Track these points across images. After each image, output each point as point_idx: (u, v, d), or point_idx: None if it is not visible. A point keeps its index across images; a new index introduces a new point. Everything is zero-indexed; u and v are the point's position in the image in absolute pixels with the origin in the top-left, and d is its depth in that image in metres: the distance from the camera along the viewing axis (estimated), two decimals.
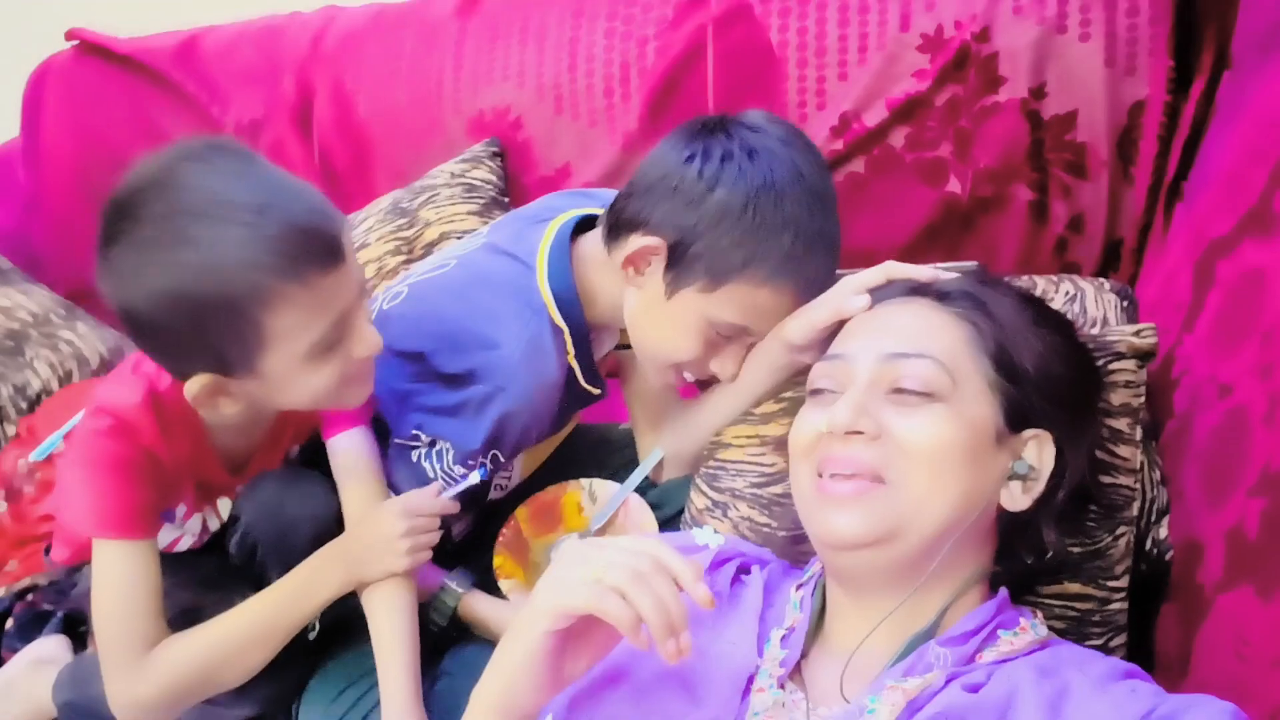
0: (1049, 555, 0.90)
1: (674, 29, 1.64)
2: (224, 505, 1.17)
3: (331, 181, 1.85)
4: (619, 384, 1.37)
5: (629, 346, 1.21)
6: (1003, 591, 0.85)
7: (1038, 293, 1.31)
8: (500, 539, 1.23)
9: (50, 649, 1.30)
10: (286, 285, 0.89)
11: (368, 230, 1.65)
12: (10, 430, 1.64)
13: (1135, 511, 1.00)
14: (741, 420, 1.16)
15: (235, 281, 0.88)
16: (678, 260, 1.06)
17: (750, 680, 0.82)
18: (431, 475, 1.13)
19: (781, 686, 0.81)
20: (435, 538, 1.09)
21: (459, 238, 1.59)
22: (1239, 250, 1.05)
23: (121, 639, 1.00)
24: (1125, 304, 1.30)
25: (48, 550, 1.25)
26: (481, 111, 1.75)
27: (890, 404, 0.82)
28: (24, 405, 1.67)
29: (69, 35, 2.01)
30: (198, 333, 0.91)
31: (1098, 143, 1.45)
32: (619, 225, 1.11)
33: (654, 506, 1.22)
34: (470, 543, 1.27)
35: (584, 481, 1.29)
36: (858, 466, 0.81)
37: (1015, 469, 0.84)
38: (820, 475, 0.84)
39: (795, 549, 1.05)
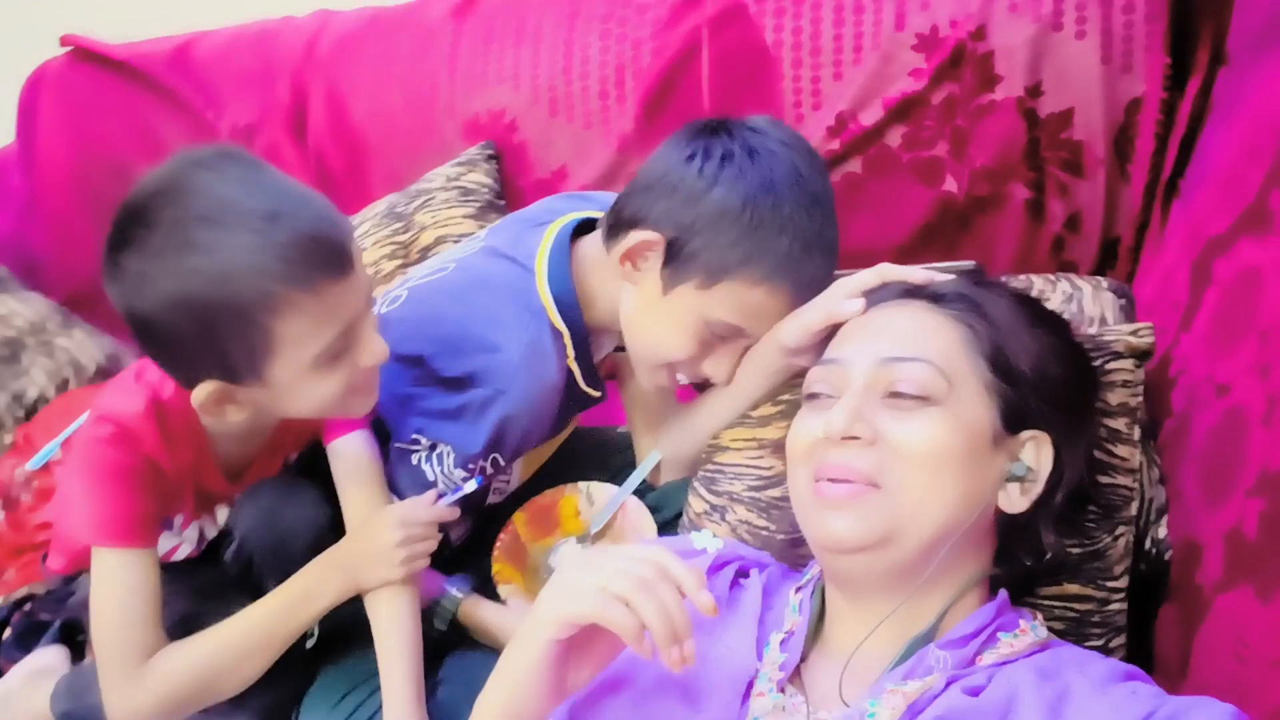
0: (1048, 556, 0.90)
1: (668, 30, 1.63)
2: (221, 513, 1.17)
3: (326, 186, 1.84)
4: (616, 387, 1.37)
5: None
6: (1002, 593, 0.85)
7: (1034, 292, 1.31)
8: (498, 544, 1.23)
9: (49, 659, 1.30)
10: (295, 292, 0.90)
11: (363, 235, 1.64)
12: (7, 439, 1.64)
13: (1134, 511, 1.00)
14: (739, 423, 1.16)
15: (245, 288, 0.88)
16: (675, 256, 1.06)
17: (750, 684, 0.82)
18: (431, 478, 1.13)
19: (781, 690, 0.81)
20: (432, 545, 1.09)
21: (455, 241, 1.59)
22: (1236, 249, 1.04)
23: (120, 648, 1.00)
24: (1123, 303, 1.30)
25: (44, 558, 1.24)
26: (477, 114, 1.74)
27: (886, 408, 0.82)
28: (21, 413, 1.67)
29: (64, 41, 2.01)
30: (206, 339, 0.91)
31: (1094, 141, 1.45)
32: (619, 223, 1.11)
33: (652, 509, 1.22)
34: (470, 547, 1.27)
35: (581, 485, 1.29)
36: (854, 472, 0.81)
37: (1013, 471, 0.84)
38: (817, 480, 0.83)
39: (794, 552, 1.05)
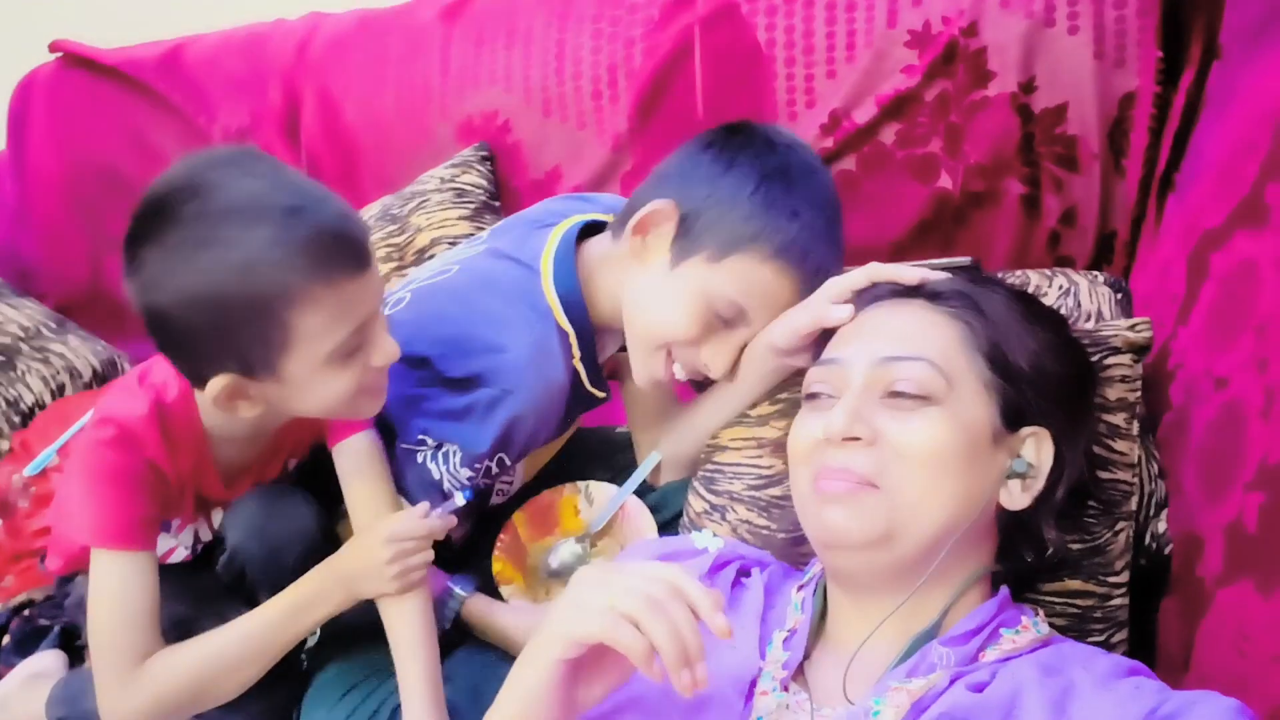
0: (1049, 553, 0.90)
1: (660, 30, 1.63)
2: (216, 516, 1.17)
3: None
4: (617, 387, 1.37)
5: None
6: (1004, 590, 0.85)
7: (1031, 288, 1.31)
8: (498, 544, 1.23)
9: (45, 663, 1.30)
10: (315, 286, 0.91)
11: None
12: (4, 445, 1.64)
13: (1134, 506, 1.00)
14: (737, 422, 1.16)
15: (265, 281, 0.89)
16: (687, 230, 1.08)
17: (753, 683, 0.82)
18: (437, 476, 1.13)
19: (785, 689, 0.81)
20: (427, 558, 1.08)
21: (450, 243, 1.59)
22: (1231, 242, 1.04)
23: (115, 650, 1.00)
24: (1119, 297, 1.30)
25: (43, 559, 1.24)
26: (470, 116, 1.74)
27: (886, 408, 0.82)
28: (16, 420, 1.67)
29: (53, 47, 2.00)
30: (224, 333, 0.91)
31: (1088, 135, 1.45)
32: (634, 208, 1.12)
33: (652, 509, 1.22)
34: (472, 548, 1.27)
35: (580, 484, 1.28)
36: (854, 475, 0.81)
37: (1014, 467, 0.84)
38: (818, 480, 0.83)
39: (794, 551, 1.05)
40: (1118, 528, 0.99)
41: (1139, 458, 1.01)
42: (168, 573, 1.06)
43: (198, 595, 1.14)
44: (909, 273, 0.94)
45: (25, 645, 1.37)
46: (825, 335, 0.97)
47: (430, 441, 1.13)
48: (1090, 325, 1.10)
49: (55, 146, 2.00)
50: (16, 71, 2.04)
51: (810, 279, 1.04)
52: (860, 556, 0.82)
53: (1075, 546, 0.97)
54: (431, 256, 1.59)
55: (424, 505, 1.10)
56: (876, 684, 0.78)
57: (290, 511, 1.12)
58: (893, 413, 0.82)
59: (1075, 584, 0.98)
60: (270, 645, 1.04)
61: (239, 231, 0.89)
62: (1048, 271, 1.37)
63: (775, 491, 1.09)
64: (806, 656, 0.85)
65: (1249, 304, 0.97)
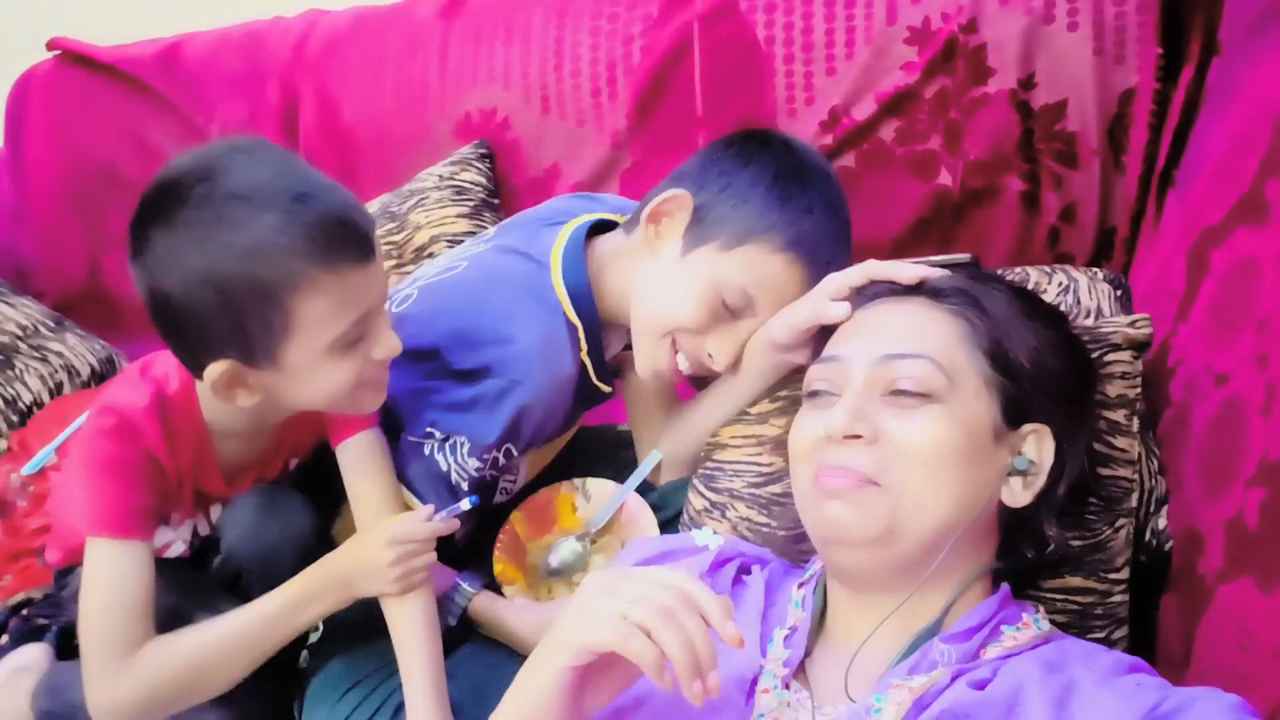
0: (1050, 549, 0.90)
1: (659, 27, 1.63)
2: (215, 511, 1.16)
3: None
4: (620, 385, 1.37)
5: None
6: (1004, 587, 0.85)
7: (1030, 284, 1.31)
8: (498, 544, 1.23)
9: (29, 658, 1.28)
10: (319, 273, 0.91)
11: None
12: (1, 444, 1.63)
13: (1134, 503, 1.00)
14: (737, 420, 1.16)
15: (270, 265, 0.90)
16: (701, 219, 1.10)
17: (754, 681, 0.82)
18: (445, 469, 1.13)
19: (786, 686, 0.81)
20: (429, 559, 1.08)
21: (449, 241, 1.59)
22: (1232, 238, 1.04)
23: (106, 639, 0.99)
24: (1119, 294, 1.30)
25: (43, 552, 1.24)
26: (468, 113, 1.74)
27: (887, 406, 0.82)
28: (14, 419, 1.66)
29: (50, 45, 2.00)
30: (226, 317, 0.92)
31: (1088, 132, 1.45)
32: (648, 203, 1.14)
33: (653, 509, 1.22)
34: (475, 546, 1.27)
35: (577, 481, 1.28)
36: (855, 473, 0.81)
37: (1015, 464, 0.84)
38: (819, 478, 0.83)
39: (795, 548, 1.05)
40: (1118, 524, 0.99)
41: (1139, 454, 1.01)
42: (163, 566, 1.06)
43: (190, 588, 1.13)
44: (907, 270, 0.94)
45: (24, 644, 1.36)
46: (825, 332, 0.97)
47: (438, 434, 1.13)
48: (1090, 322, 1.10)
49: (53, 145, 1.99)
50: (14, 69, 2.03)
51: (819, 273, 1.05)
52: (861, 553, 0.82)
53: (1076, 543, 0.97)
54: (431, 254, 1.59)
55: (429, 508, 1.10)
56: (878, 682, 0.78)
57: (286, 514, 1.11)
58: (894, 411, 0.82)
59: (1076, 581, 0.98)
60: (264, 641, 1.04)
61: (246, 215, 0.90)
62: (1047, 268, 1.37)
63: (775, 489, 1.09)
64: (807, 654, 0.85)
65: (1249, 300, 0.97)
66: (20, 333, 1.74)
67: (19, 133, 2.02)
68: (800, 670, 0.84)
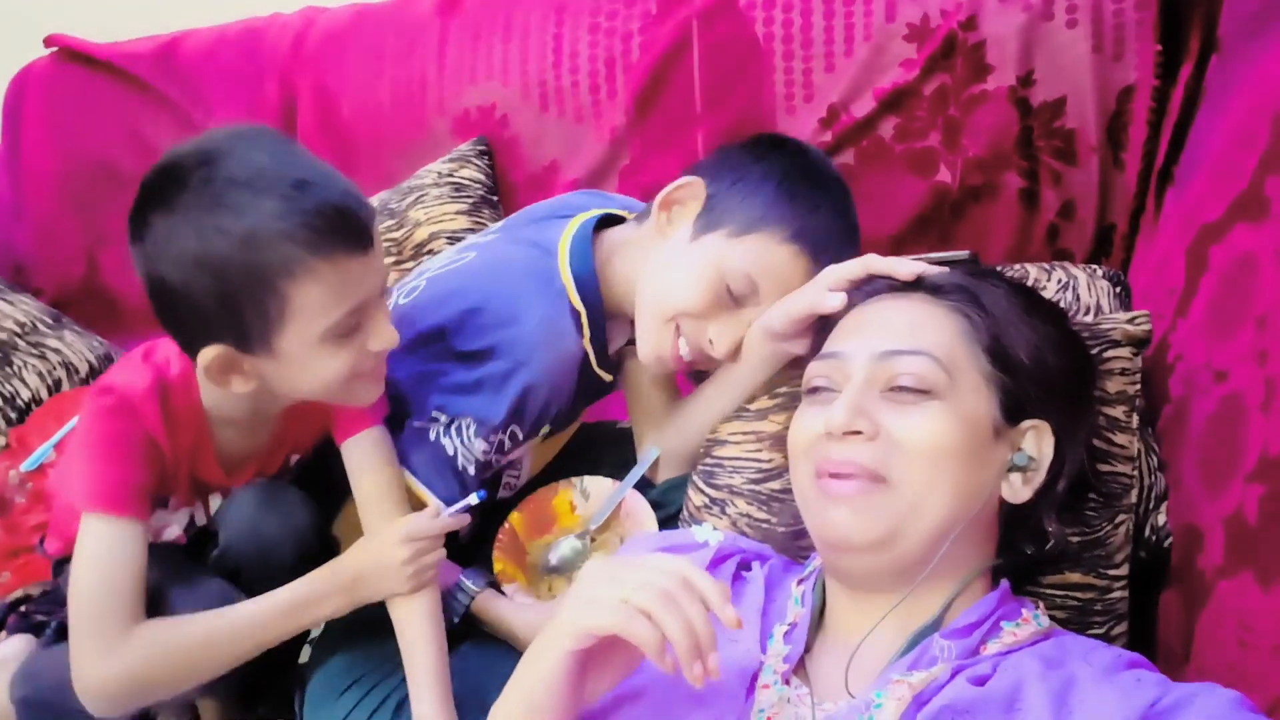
0: (1049, 545, 0.90)
1: (658, 24, 1.63)
2: (214, 502, 1.16)
3: None
4: (621, 380, 1.37)
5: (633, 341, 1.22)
6: (1004, 583, 0.85)
7: (1030, 281, 1.31)
8: (497, 544, 1.23)
9: (12, 649, 1.28)
10: (315, 260, 0.91)
11: None
12: (0, 441, 1.63)
13: (1133, 499, 1.00)
14: (736, 417, 1.16)
15: (267, 251, 0.90)
16: (712, 208, 1.13)
17: (754, 677, 0.82)
18: (451, 452, 1.13)
19: (786, 682, 0.81)
20: (440, 556, 1.09)
21: (449, 237, 1.59)
22: (1231, 235, 1.05)
23: (96, 615, 0.98)
24: (1118, 290, 1.30)
25: (42, 540, 1.23)
26: (467, 110, 1.74)
27: (887, 402, 0.82)
28: (13, 415, 1.66)
29: (48, 42, 1.99)
30: (222, 301, 0.92)
31: (1087, 129, 1.45)
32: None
33: (653, 507, 1.22)
34: (478, 541, 1.28)
35: (575, 480, 1.28)
36: (856, 467, 0.81)
37: (1015, 461, 0.84)
38: (819, 475, 0.83)
39: (794, 544, 1.05)
40: (1118, 520, 0.99)
41: (1139, 451, 1.01)
42: (153, 547, 1.06)
43: (168, 562, 1.12)
44: (905, 266, 0.94)
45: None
46: (824, 328, 0.97)
47: (444, 417, 1.14)
48: (1089, 318, 1.10)
49: (51, 142, 1.99)
50: (11, 66, 2.03)
51: (822, 268, 1.05)
52: (865, 558, 0.82)
53: (1075, 539, 0.97)
54: (430, 251, 1.59)
55: (436, 505, 1.10)
56: (878, 677, 0.78)
57: (286, 510, 1.11)
58: (894, 407, 0.82)
59: (1075, 577, 0.98)
60: (258, 639, 1.04)
61: (244, 200, 0.90)
62: (1046, 265, 1.38)
63: (775, 485, 1.09)
64: (807, 650, 0.85)
65: (1249, 296, 0.97)
66: (18, 330, 1.74)
67: (17, 130, 2.02)
68: (800, 666, 0.84)
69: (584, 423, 1.43)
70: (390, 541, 1.06)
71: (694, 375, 1.29)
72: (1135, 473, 1.00)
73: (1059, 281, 1.31)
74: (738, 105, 1.61)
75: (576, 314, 1.16)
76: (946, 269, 0.94)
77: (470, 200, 1.64)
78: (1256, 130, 1.05)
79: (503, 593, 1.18)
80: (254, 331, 0.94)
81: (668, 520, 1.21)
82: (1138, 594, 1.00)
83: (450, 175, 1.67)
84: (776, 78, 1.58)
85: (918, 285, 0.92)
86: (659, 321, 1.15)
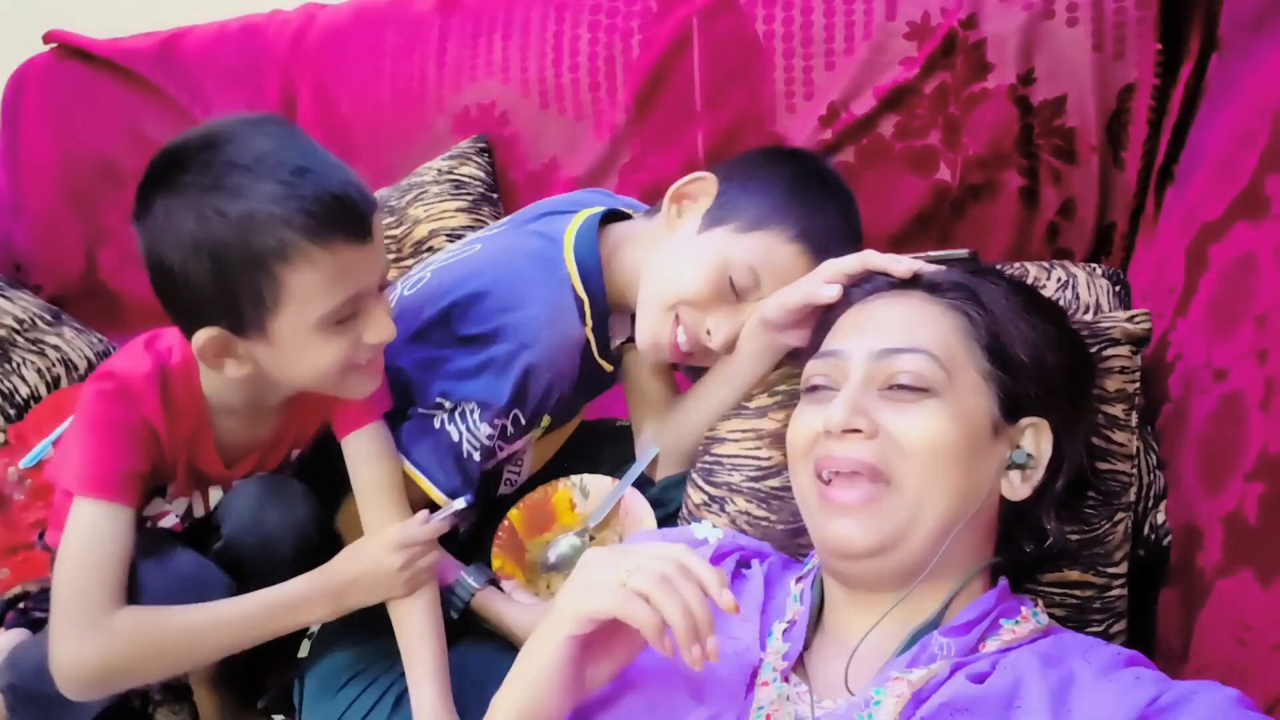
0: (1048, 543, 0.90)
1: (659, 21, 1.63)
2: (214, 495, 1.16)
3: None
4: (621, 374, 1.37)
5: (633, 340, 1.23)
6: (1003, 581, 0.85)
7: (1029, 280, 1.31)
8: (496, 541, 1.23)
9: (8, 643, 1.28)
10: (312, 246, 0.92)
11: None
12: None
13: (1132, 497, 1.00)
14: (735, 415, 1.16)
15: (263, 234, 0.91)
16: (722, 204, 1.16)
17: (754, 674, 0.82)
18: (456, 439, 1.14)
19: (785, 680, 0.81)
20: (434, 558, 1.10)
21: (449, 235, 1.59)
22: (1231, 234, 1.05)
23: (79, 596, 0.98)
24: (1117, 289, 1.30)
25: (42, 534, 1.23)
26: (467, 108, 1.74)
27: (885, 401, 0.82)
28: (12, 412, 1.66)
29: (47, 38, 1.99)
30: (218, 282, 0.92)
31: (1087, 127, 1.45)
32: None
33: (653, 504, 1.22)
34: (478, 538, 1.28)
35: (574, 478, 1.28)
36: (857, 465, 0.81)
37: (1014, 458, 0.84)
38: (820, 476, 0.83)
39: (793, 542, 1.05)
40: (1116, 518, 0.99)
41: (1138, 449, 1.01)
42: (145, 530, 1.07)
43: (143, 537, 1.12)
44: (902, 263, 0.94)
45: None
46: (823, 325, 0.97)
47: (448, 404, 1.15)
48: (1089, 317, 1.10)
49: (50, 138, 1.99)
50: (11, 62, 2.02)
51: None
52: (866, 564, 0.82)
53: (1074, 537, 0.97)
54: (430, 248, 1.59)
55: (424, 513, 1.11)
56: (877, 674, 0.78)
57: (287, 504, 1.11)
58: (892, 405, 0.82)
59: (1074, 575, 0.98)
60: (240, 637, 1.04)
61: (244, 183, 0.91)
62: (1046, 264, 1.38)
63: (774, 483, 1.09)
64: (806, 647, 0.85)
65: (1249, 295, 0.97)
66: (17, 326, 1.74)
67: (16, 126, 2.01)
68: (799, 663, 0.84)
69: (584, 421, 1.43)
70: (382, 549, 1.07)
71: (691, 374, 1.29)
72: (1134, 471, 1.01)
73: (1059, 280, 1.31)
74: (738, 103, 1.60)
75: (580, 302, 1.18)
76: (945, 267, 0.94)
77: (470, 198, 1.64)
78: (1256, 129, 1.06)
79: (503, 590, 1.18)
80: (248, 315, 0.95)
81: (667, 518, 1.21)
82: (1137, 592, 1.00)
83: (450, 172, 1.67)
84: (777, 76, 1.58)
85: (916, 283, 0.92)
86: (660, 308, 1.16)
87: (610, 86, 1.66)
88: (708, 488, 1.13)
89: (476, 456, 1.15)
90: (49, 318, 1.80)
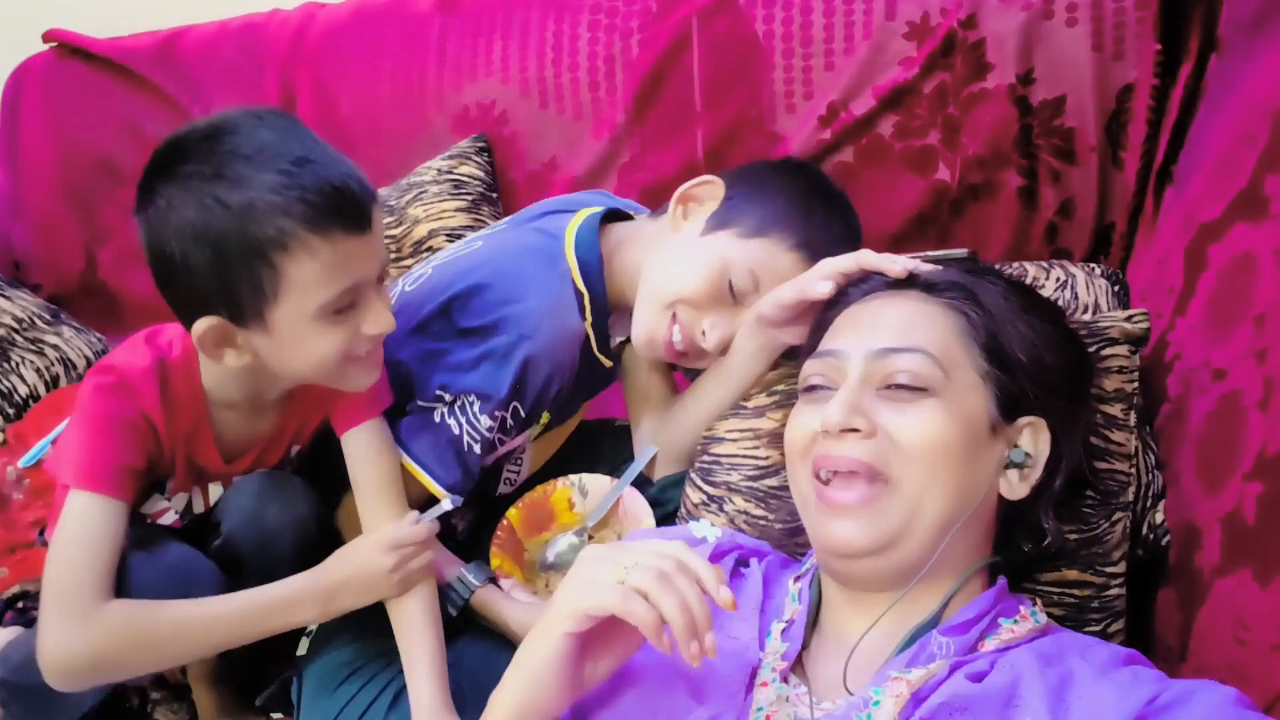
0: (1047, 543, 0.90)
1: (658, 21, 1.63)
2: (214, 491, 1.16)
3: None
4: (619, 372, 1.37)
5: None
6: (1001, 580, 0.85)
7: (1028, 279, 1.32)
8: (495, 540, 1.23)
9: (2, 639, 1.28)
10: (311, 236, 0.92)
11: None
12: None
13: (1131, 497, 1.00)
14: (733, 414, 1.16)
15: (263, 223, 0.91)
16: (727, 209, 1.17)
17: (753, 674, 0.82)
18: (457, 431, 1.15)
19: (784, 680, 0.81)
20: (427, 559, 1.10)
21: (448, 234, 1.59)
22: (1230, 234, 1.05)
23: (69, 587, 0.98)
24: (1116, 289, 1.30)
25: (42, 531, 1.23)
26: (466, 107, 1.74)
27: (883, 400, 0.82)
28: (10, 412, 1.66)
29: (46, 36, 1.99)
30: (217, 271, 0.93)
31: (1086, 127, 1.45)
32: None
33: (652, 503, 1.22)
34: (477, 537, 1.29)
35: (572, 477, 1.28)
36: (855, 464, 0.81)
37: (1012, 457, 0.84)
38: (818, 477, 0.83)
39: (792, 541, 1.05)
40: (1115, 518, 0.99)
41: (1136, 449, 1.01)
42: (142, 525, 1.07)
43: (136, 533, 1.11)
44: (897, 263, 0.94)
45: None
46: (821, 325, 0.97)
47: (448, 396, 1.16)
48: (1088, 317, 1.10)
49: (49, 137, 1.98)
50: (10, 61, 2.02)
51: None
52: (865, 564, 0.82)
53: (1073, 537, 0.97)
54: (430, 248, 1.59)
55: (413, 514, 1.11)
56: (876, 674, 0.78)
57: (287, 499, 1.12)
58: (890, 405, 0.82)
59: (1072, 574, 0.98)
60: (229, 636, 1.04)
61: (245, 173, 0.91)
62: (1045, 263, 1.38)
63: (772, 482, 1.09)
64: (804, 647, 0.85)
65: (1247, 295, 0.97)
66: (16, 325, 1.74)
67: (15, 125, 2.01)
68: (798, 663, 0.84)
69: (583, 420, 1.44)
70: (374, 550, 1.07)
71: (690, 375, 1.29)
72: (1132, 470, 1.01)
73: (1057, 280, 1.31)
74: (737, 103, 1.60)
75: (579, 296, 1.19)
76: (944, 267, 0.94)
77: (469, 197, 1.64)
78: (1255, 129, 1.06)
79: (501, 588, 1.18)
80: (248, 304, 0.95)
81: (665, 518, 1.21)
82: (1135, 592, 1.00)
83: (449, 172, 1.67)
84: (776, 75, 1.58)
85: (914, 283, 0.92)
86: (658, 306, 1.17)
87: (610, 86, 1.66)
88: (706, 487, 1.13)
89: (477, 449, 1.15)
90: (48, 317, 1.79)
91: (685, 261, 1.15)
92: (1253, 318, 0.95)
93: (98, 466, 1.00)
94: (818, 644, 0.86)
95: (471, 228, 1.59)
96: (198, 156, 0.92)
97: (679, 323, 1.16)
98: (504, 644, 1.13)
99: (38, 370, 1.70)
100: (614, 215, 1.27)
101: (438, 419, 1.15)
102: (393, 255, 1.60)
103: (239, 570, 1.10)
